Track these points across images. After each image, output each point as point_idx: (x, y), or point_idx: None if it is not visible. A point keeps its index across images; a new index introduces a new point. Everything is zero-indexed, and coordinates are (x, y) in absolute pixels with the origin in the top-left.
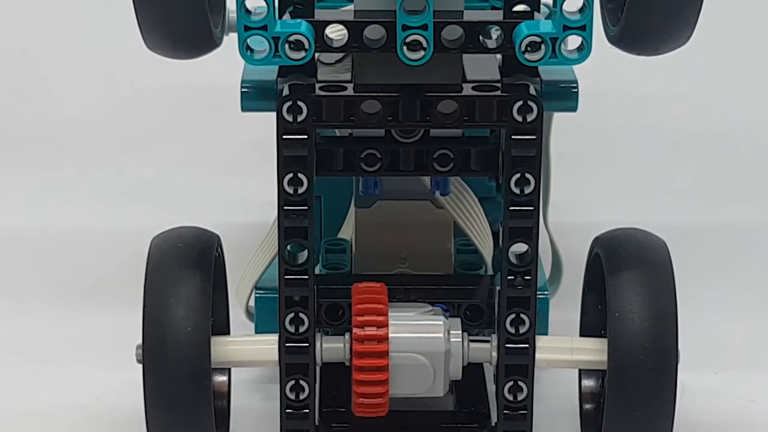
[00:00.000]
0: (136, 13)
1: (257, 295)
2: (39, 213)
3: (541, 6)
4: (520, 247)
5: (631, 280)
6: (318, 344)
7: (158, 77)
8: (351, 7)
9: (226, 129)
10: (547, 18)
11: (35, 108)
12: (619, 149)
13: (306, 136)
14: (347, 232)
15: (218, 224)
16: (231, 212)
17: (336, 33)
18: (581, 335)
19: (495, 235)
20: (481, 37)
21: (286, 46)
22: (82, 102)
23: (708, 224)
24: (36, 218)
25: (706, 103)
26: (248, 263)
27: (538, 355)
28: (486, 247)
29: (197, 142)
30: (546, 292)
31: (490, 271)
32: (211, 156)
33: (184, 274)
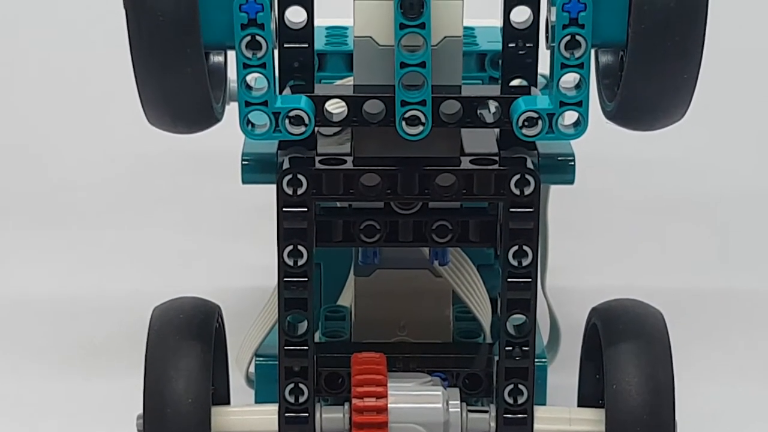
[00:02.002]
0: (138, 90)
1: (257, 362)
2: (40, 276)
3: (538, 75)
4: (518, 319)
5: (628, 353)
6: (318, 414)
7: (160, 142)
8: (350, 80)
9: (227, 193)
10: (543, 88)
11: (37, 171)
12: (616, 214)
13: (306, 209)
14: (347, 298)
15: (219, 288)
16: (232, 276)
17: (336, 107)
18: (579, 404)
19: (493, 301)
20: (478, 112)
21: (287, 121)
22: (84, 166)
23: (704, 289)
24: (37, 281)
25: (701, 170)
26: (248, 330)
27: (536, 426)
28: (484, 316)
29: (198, 207)
30: (544, 359)
31: (489, 339)
32: (212, 220)
33: (184, 345)
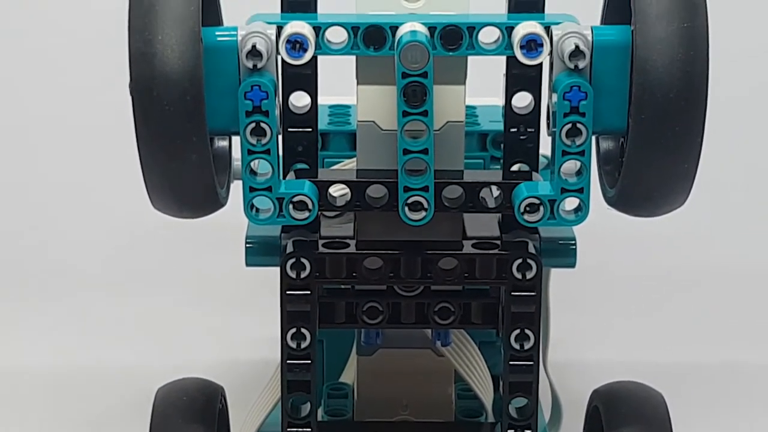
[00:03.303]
0: (143, 176)
1: None
2: (42, 349)
3: (540, 156)
4: (520, 401)
5: None
6: None
7: (163, 215)
8: (354, 162)
9: (231, 266)
10: (544, 168)
11: (40, 243)
12: (617, 287)
13: (309, 292)
14: (349, 375)
15: (223, 362)
16: (236, 349)
17: (339, 191)
18: None
19: (495, 379)
20: (481, 196)
21: (290, 206)
22: (88, 238)
23: (704, 364)
24: (39, 354)
25: (700, 245)
26: (251, 408)
27: None
28: (486, 395)
29: (202, 279)
30: None
31: (491, 418)
32: (216, 293)
33: (187, 429)
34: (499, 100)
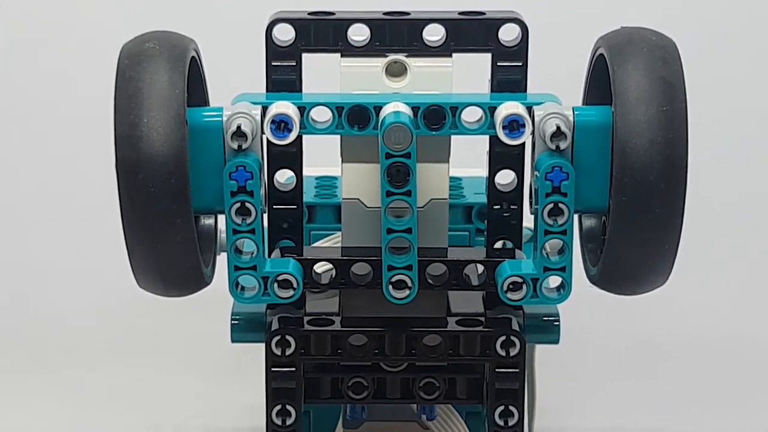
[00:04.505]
0: (129, 256)
1: None
2: (30, 420)
3: (524, 228)
4: None
5: None
6: None
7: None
8: (339, 237)
9: (216, 333)
10: (528, 241)
11: (26, 313)
12: (605, 353)
13: (294, 369)
14: None
15: (208, 428)
16: (222, 416)
17: (324, 268)
18: None
19: None
20: (464, 274)
21: (275, 285)
22: (75, 308)
23: (688, 429)
24: (27, 425)
25: (686, 311)
26: None
27: None
28: None
29: (188, 347)
30: None
31: None
32: (201, 360)
33: None
34: (484, 171)
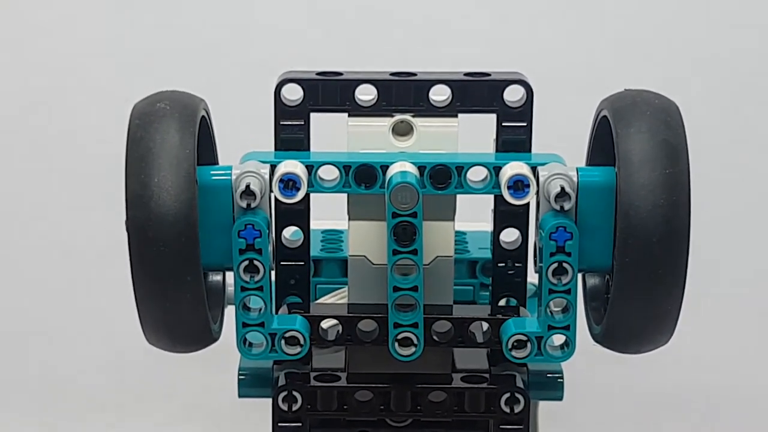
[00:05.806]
0: (138, 313)
1: None
2: None
3: (528, 284)
4: None
5: None
6: None
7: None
8: (345, 292)
9: (224, 385)
10: (532, 296)
11: (29, 366)
12: (608, 409)
13: (300, 424)
14: None
15: None
16: None
17: (330, 323)
18: None
19: None
20: (470, 331)
21: (282, 341)
22: (86, 361)
23: None
24: None
25: (689, 363)
26: None
27: None
28: None
29: (195, 398)
30: None
31: None
32: (209, 412)
33: None
34: (488, 226)
